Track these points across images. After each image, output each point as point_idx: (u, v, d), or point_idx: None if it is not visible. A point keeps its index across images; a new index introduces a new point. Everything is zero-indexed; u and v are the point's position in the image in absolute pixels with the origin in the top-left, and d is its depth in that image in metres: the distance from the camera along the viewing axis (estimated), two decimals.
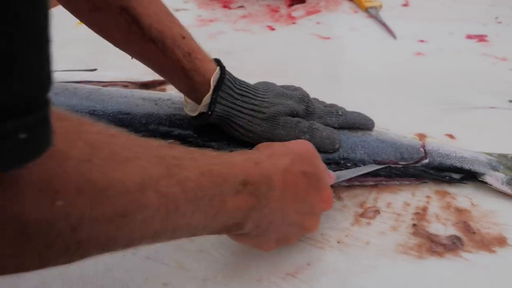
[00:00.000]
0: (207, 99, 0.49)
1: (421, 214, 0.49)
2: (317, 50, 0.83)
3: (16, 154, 0.21)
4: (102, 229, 0.27)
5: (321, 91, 0.70)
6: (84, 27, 0.90)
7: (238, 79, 0.52)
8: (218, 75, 0.50)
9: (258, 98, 0.51)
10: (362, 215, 0.50)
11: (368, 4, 0.97)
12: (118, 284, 0.43)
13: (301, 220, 0.41)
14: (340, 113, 0.56)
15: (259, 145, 0.43)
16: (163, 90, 0.70)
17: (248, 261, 0.45)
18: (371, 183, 0.53)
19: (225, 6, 1.01)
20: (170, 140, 0.46)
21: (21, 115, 0.20)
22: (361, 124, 0.56)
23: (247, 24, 0.93)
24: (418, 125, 0.61)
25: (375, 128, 0.59)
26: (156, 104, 0.56)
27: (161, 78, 0.71)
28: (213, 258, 0.46)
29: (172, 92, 0.61)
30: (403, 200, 0.51)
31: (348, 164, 0.53)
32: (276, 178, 0.38)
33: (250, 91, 0.52)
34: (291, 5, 1.01)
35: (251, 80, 0.74)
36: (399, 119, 0.63)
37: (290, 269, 0.44)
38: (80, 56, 0.79)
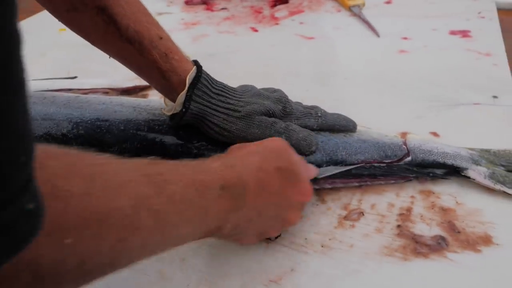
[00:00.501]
0: (181, 97, 0.49)
1: (405, 214, 0.48)
2: (302, 51, 0.82)
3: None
4: (105, 257, 0.28)
5: (306, 91, 0.69)
6: (67, 33, 0.89)
7: (215, 80, 0.52)
8: (194, 74, 0.49)
9: (235, 98, 0.51)
10: (346, 217, 0.49)
11: (351, 3, 0.96)
12: None
13: (280, 214, 0.42)
14: (319, 114, 0.55)
15: (232, 147, 0.43)
16: (145, 96, 0.69)
17: (231, 269, 0.44)
18: (356, 184, 0.53)
19: (207, 9, 1.00)
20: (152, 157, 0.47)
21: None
22: (341, 125, 0.56)
23: (231, 26, 0.92)
24: (402, 123, 0.61)
25: (357, 128, 0.59)
26: (134, 110, 0.56)
27: (143, 84, 0.71)
28: (195, 266, 0.45)
29: (152, 98, 0.60)
30: (387, 201, 0.50)
31: (330, 167, 0.52)
32: (250, 178, 0.38)
33: (227, 91, 0.51)
34: (274, 5, 1.00)
35: (235, 82, 0.73)
36: (383, 118, 0.63)
37: (274, 276, 0.43)
38: (62, 62, 0.78)
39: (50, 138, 0.52)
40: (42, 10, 1.01)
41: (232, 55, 0.82)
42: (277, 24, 0.92)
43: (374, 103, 0.66)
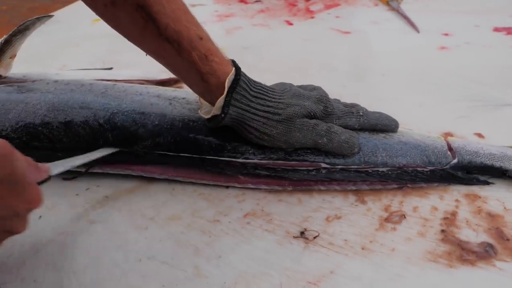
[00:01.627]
0: (220, 101, 0.48)
1: (450, 219, 0.46)
2: (338, 45, 0.80)
3: None
4: None
5: (343, 87, 0.68)
6: (101, 25, 0.89)
7: (253, 81, 0.50)
8: (233, 77, 0.48)
9: (274, 100, 0.50)
10: (387, 219, 0.47)
11: None
12: None
13: (2, 225, 0.39)
14: (361, 113, 0.53)
15: None
16: (180, 87, 0.69)
17: (268, 269, 0.43)
18: (395, 186, 0.51)
19: (241, 1, 0.99)
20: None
21: None
22: (383, 125, 0.54)
23: (265, 19, 0.90)
24: (444, 123, 0.59)
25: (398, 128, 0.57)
26: (170, 103, 0.55)
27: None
28: (232, 264, 0.44)
29: (188, 90, 0.59)
30: (430, 204, 0.48)
31: (369, 170, 0.51)
32: None
33: (265, 93, 0.50)
34: None
35: (271, 76, 0.72)
36: (424, 117, 0.60)
37: (312, 277, 0.42)
38: (96, 53, 0.78)
39: (87, 127, 0.52)
40: (77, 0, 1.02)
41: (267, 48, 0.80)
42: (312, 17, 0.91)
43: (414, 102, 0.64)
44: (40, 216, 0.50)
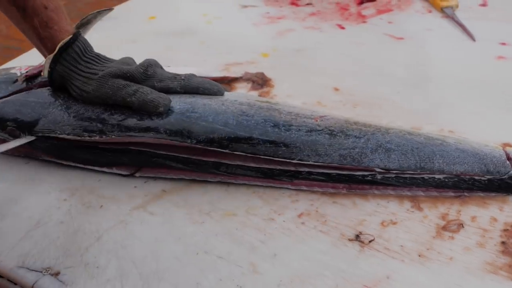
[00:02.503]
0: (49, 58, 0.55)
1: (510, 231, 0.46)
2: (391, 51, 0.80)
3: None
4: None
5: (397, 93, 0.67)
6: (157, 22, 0.91)
7: (93, 51, 0.57)
8: (65, 41, 0.55)
9: (100, 65, 0.56)
10: (444, 228, 0.47)
11: (443, 4, 0.92)
12: (192, 282, 0.43)
13: None
14: (182, 77, 0.57)
15: None
16: (233, 88, 0.70)
17: (324, 270, 0.44)
18: (452, 194, 0.50)
19: (292, 3, 0.99)
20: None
21: None
22: (205, 88, 0.57)
23: (316, 22, 0.91)
24: (501, 133, 0.57)
25: (453, 135, 0.56)
26: (223, 104, 0.55)
27: (232, 75, 0.71)
28: (288, 263, 0.44)
29: (240, 93, 0.60)
30: (489, 215, 0.48)
31: (425, 177, 0.50)
32: None
33: (97, 60, 0.56)
34: (361, 3, 0.98)
35: (324, 79, 0.72)
36: (480, 126, 0.59)
37: (368, 282, 0.42)
38: (152, 49, 0.80)
39: (140, 120, 0.53)
40: None
41: (319, 51, 0.80)
42: (364, 22, 0.90)
43: (470, 110, 0.63)
44: (101, 206, 0.51)
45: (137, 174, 0.55)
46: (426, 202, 0.50)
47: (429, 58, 0.78)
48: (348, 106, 0.66)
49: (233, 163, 0.53)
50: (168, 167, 0.54)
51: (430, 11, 0.93)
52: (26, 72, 0.62)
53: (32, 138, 0.56)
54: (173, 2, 1.04)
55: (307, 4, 0.99)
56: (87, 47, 0.57)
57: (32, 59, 0.67)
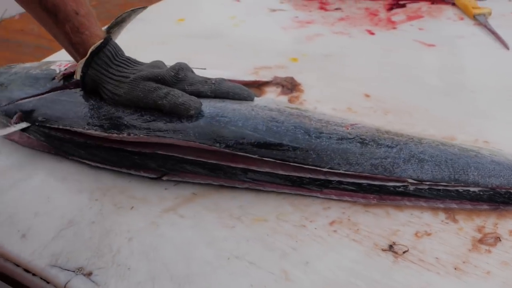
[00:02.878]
0: (82, 62, 0.56)
1: None
2: (422, 58, 0.79)
3: None
4: None
5: (429, 100, 0.66)
6: (185, 24, 0.92)
7: (123, 55, 0.58)
8: (97, 45, 0.56)
9: (131, 68, 0.56)
10: (480, 241, 0.46)
11: (475, 11, 0.91)
12: (223, 287, 0.43)
13: None
14: (213, 82, 0.57)
15: None
16: (263, 92, 0.69)
17: (357, 279, 0.43)
18: (486, 207, 0.49)
19: (321, 8, 0.99)
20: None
21: None
22: (235, 93, 0.57)
23: (345, 27, 0.90)
24: None
25: (488, 147, 0.55)
26: (252, 110, 0.55)
27: (263, 79, 0.71)
28: (320, 271, 0.44)
29: (269, 98, 0.59)
30: None
31: (459, 189, 0.49)
32: None
33: (128, 64, 0.57)
34: (390, 9, 0.97)
35: (353, 84, 0.71)
36: None
37: None
38: (181, 51, 0.80)
39: (169, 122, 0.53)
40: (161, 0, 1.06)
41: (348, 57, 0.80)
42: (394, 28, 0.89)
43: (505, 120, 0.62)
44: (132, 207, 0.52)
45: (164, 178, 0.55)
46: (461, 214, 0.49)
47: (461, 66, 0.77)
48: (379, 113, 0.65)
49: (261, 170, 0.52)
50: (195, 173, 0.54)
51: (462, 18, 0.92)
52: (65, 69, 0.63)
53: (27, 124, 0.58)
54: (202, 5, 1.05)
55: (336, 9, 0.98)
56: (117, 51, 0.58)
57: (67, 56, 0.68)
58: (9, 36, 1.11)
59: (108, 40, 0.57)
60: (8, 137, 0.62)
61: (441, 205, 0.50)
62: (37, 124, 0.58)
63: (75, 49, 0.57)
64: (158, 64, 0.58)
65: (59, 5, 0.55)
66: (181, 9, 1.01)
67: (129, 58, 0.58)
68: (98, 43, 0.56)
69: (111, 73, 0.56)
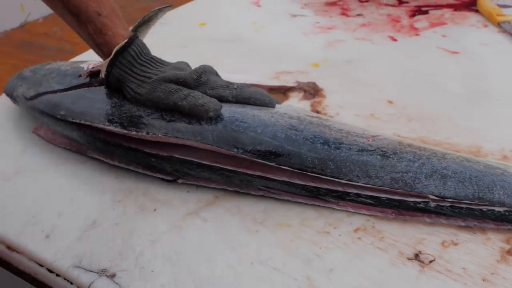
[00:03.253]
0: (106, 62, 0.57)
1: None
2: (445, 65, 0.78)
3: None
4: None
5: (453, 108, 0.65)
6: (207, 28, 0.92)
7: (148, 54, 0.58)
8: (121, 45, 0.56)
9: (155, 69, 0.57)
10: (509, 252, 0.45)
11: (500, 18, 0.90)
12: None
13: None
14: (235, 87, 0.57)
15: None
16: (287, 96, 0.69)
17: (379, 287, 0.42)
18: (511, 227, 0.48)
19: (343, 14, 0.99)
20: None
21: None
22: (257, 99, 0.57)
23: (367, 33, 0.89)
24: None
25: None
26: (272, 116, 0.54)
27: (288, 84, 0.71)
28: (344, 278, 0.43)
29: (289, 106, 0.58)
30: None
31: (483, 209, 0.47)
32: None
33: (152, 63, 0.57)
34: (413, 15, 0.96)
35: (375, 91, 0.71)
36: None
37: None
38: (203, 55, 0.80)
39: (189, 124, 0.53)
40: (184, 3, 1.06)
41: (370, 63, 0.79)
42: (417, 35, 0.88)
43: None
44: (155, 209, 0.52)
45: (179, 181, 0.55)
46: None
47: (486, 73, 0.76)
48: (403, 120, 0.64)
49: (278, 179, 0.51)
50: (211, 179, 0.54)
51: (486, 26, 0.91)
52: (92, 68, 0.63)
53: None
54: (223, 10, 1.05)
55: (358, 15, 0.98)
56: (143, 49, 0.58)
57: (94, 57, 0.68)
58: (32, 39, 1.12)
59: (132, 40, 0.57)
60: (34, 131, 0.63)
61: (463, 224, 0.48)
62: (59, 117, 0.58)
63: (100, 50, 0.58)
64: (181, 65, 0.58)
65: (80, 6, 0.56)
66: (203, 13, 1.01)
67: (153, 58, 0.58)
68: (122, 43, 0.56)
69: (135, 73, 0.56)
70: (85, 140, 0.58)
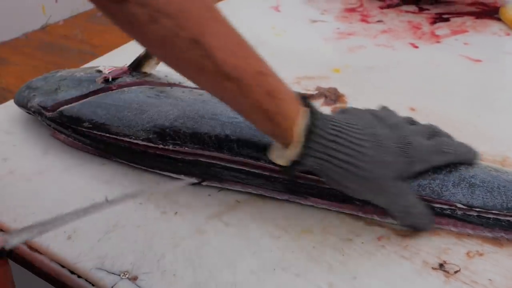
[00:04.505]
0: (295, 152, 0.43)
1: None
2: (468, 73, 0.77)
3: None
4: None
5: (477, 116, 0.65)
6: None
7: (328, 119, 0.45)
8: (306, 121, 0.43)
9: (353, 147, 0.44)
10: None
11: None
12: None
13: None
14: (445, 150, 0.48)
15: None
16: None
17: None
18: None
19: (363, 20, 0.98)
20: None
21: None
22: (465, 159, 0.50)
23: (388, 40, 0.89)
24: None
25: None
26: None
27: (308, 92, 0.70)
28: (368, 286, 0.43)
29: None
30: None
31: (511, 220, 0.47)
32: None
33: (344, 134, 0.44)
34: (433, 22, 0.95)
35: (399, 98, 0.70)
36: None
37: None
38: None
39: (213, 136, 0.53)
40: None
41: (392, 70, 0.79)
42: (438, 42, 0.88)
43: None
44: (176, 212, 0.52)
45: (204, 183, 0.55)
46: None
47: (509, 82, 0.75)
48: None
49: (305, 183, 0.50)
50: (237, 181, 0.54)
51: (508, 34, 0.89)
52: (109, 73, 0.63)
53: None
54: (242, 14, 1.05)
55: (378, 21, 0.97)
56: (322, 117, 0.44)
57: (109, 62, 0.69)
58: (53, 41, 1.13)
59: (310, 106, 0.44)
60: (53, 134, 0.63)
61: (489, 234, 0.47)
62: (84, 130, 0.58)
63: (273, 121, 0.43)
64: (376, 134, 0.46)
65: (241, 66, 0.41)
66: None
67: (337, 124, 0.44)
68: (305, 116, 0.43)
69: (333, 156, 0.43)
70: (110, 147, 0.58)
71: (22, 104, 0.65)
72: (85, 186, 0.56)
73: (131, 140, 0.56)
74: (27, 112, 0.65)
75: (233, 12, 1.05)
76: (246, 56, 0.42)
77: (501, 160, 0.56)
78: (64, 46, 1.04)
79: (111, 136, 0.57)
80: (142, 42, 0.41)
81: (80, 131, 0.59)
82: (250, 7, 1.08)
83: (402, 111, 0.66)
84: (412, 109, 0.67)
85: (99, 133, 0.57)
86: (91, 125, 0.58)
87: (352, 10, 1.03)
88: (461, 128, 0.63)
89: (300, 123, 0.42)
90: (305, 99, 0.44)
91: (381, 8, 1.03)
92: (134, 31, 0.40)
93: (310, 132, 0.43)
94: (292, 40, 0.90)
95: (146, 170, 0.57)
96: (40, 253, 0.48)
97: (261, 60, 0.43)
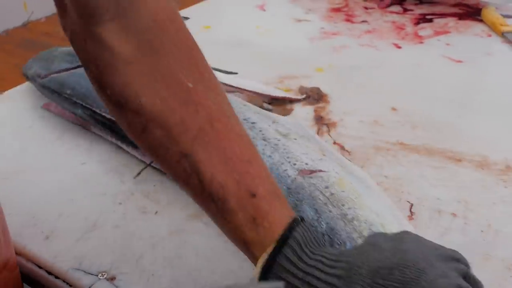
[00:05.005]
0: (255, 272, 0.35)
1: None
2: (450, 73, 0.78)
3: None
4: None
5: (455, 117, 0.65)
6: (211, 31, 0.91)
7: (321, 252, 0.35)
8: (271, 261, 0.34)
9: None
10: None
11: (504, 28, 0.89)
12: None
13: None
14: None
15: None
16: (288, 111, 0.68)
17: None
18: None
19: (347, 20, 0.98)
20: None
21: None
22: None
23: (372, 40, 0.89)
24: None
25: None
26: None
27: (292, 97, 0.70)
28: None
29: (288, 120, 0.55)
30: None
31: None
32: None
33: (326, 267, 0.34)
34: (417, 23, 0.96)
35: (381, 97, 0.70)
36: None
37: None
38: (206, 59, 0.80)
39: None
40: (188, 6, 1.06)
41: (375, 69, 0.79)
42: (421, 42, 0.88)
43: None
44: (156, 212, 0.51)
45: None
46: None
47: (490, 83, 0.76)
48: (407, 127, 0.64)
49: None
50: None
51: (490, 35, 0.90)
52: None
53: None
54: (228, 13, 1.05)
55: (363, 21, 0.97)
56: (301, 252, 0.34)
57: None
58: (34, 38, 1.12)
59: (288, 240, 0.34)
60: (44, 106, 0.67)
61: None
62: (66, 96, 0.62)
63: (247, 248, 0.36)
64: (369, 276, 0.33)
65: (228, 186, 0.35)
66: (207, 16, 1.01)
67: (324, 256, 0.34)
68: (271, 248, 0.34)
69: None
70: (88, 117, 0.61)
71: (24, 73, 0.71)
72: (64, 184, 0.56)
73: (102, 113, 0.59)
74: (29, 82, 0.71)
75: (219, 11, 1.06)
76: (240, 172, 0.36)
77: (481, 160, 0.57)
78: (46, 43, 1.02)
79: (86, 105, 0.61)
80: (139, 146, 0.39)
81: (63, 97, 0.63)
82: (236, 5, 1.08)
83: (384, 111, 0.67)
84: (394, 109, 0.67)
85: (78, 101, 0.61)
86: (72, 93, 0.62)
87: (337, 9, 1.03)
88: (442, 127, 0.64)
89: (263, 261, 0.35)
90: (294, 225, 0.35)
91: (366, 8, 1.03)
92: (131, 136, 0.38)
93: (269, 269, 0.35)
94: (276, 39, 0.90)
95: (127, 170, 0.57)
96: (17, 253, 0.48)
97: (258, 177, 0.36)
